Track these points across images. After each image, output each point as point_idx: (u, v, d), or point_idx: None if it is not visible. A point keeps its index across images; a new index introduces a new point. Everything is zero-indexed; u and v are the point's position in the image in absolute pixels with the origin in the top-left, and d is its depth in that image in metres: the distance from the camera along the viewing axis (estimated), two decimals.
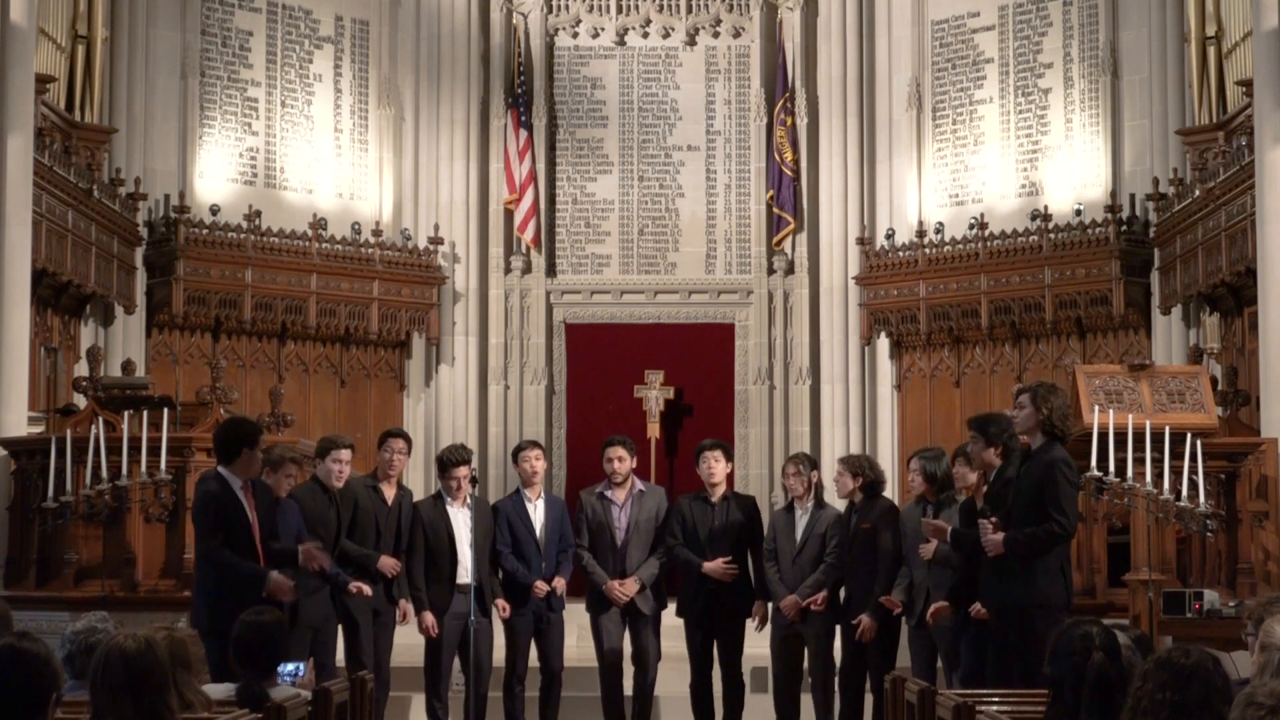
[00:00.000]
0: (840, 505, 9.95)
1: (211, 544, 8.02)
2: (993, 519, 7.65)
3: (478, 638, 9.54)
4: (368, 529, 9.52)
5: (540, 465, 9.99)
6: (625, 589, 9.82)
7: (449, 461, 9.77)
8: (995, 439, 8.12)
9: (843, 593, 9.70)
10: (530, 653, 9.91)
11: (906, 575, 9.29)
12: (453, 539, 9.62)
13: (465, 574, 9.58)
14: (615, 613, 9.89)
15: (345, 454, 9.37)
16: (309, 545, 8.62)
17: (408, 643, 9.87)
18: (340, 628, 9.43)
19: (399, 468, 9.80)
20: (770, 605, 9.79)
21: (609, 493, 10.02)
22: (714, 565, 9.76)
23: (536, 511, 9.90)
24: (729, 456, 10.09)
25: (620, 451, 10.01)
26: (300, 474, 9.37)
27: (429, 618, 9.54)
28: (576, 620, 10.25)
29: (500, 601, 9.79)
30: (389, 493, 9.71)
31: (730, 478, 10.29)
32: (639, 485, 10.09)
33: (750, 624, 9.95)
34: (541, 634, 9.84)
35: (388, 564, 9.49)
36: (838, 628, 9.68)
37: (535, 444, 10.38)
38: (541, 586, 9.72)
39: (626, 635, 9.98)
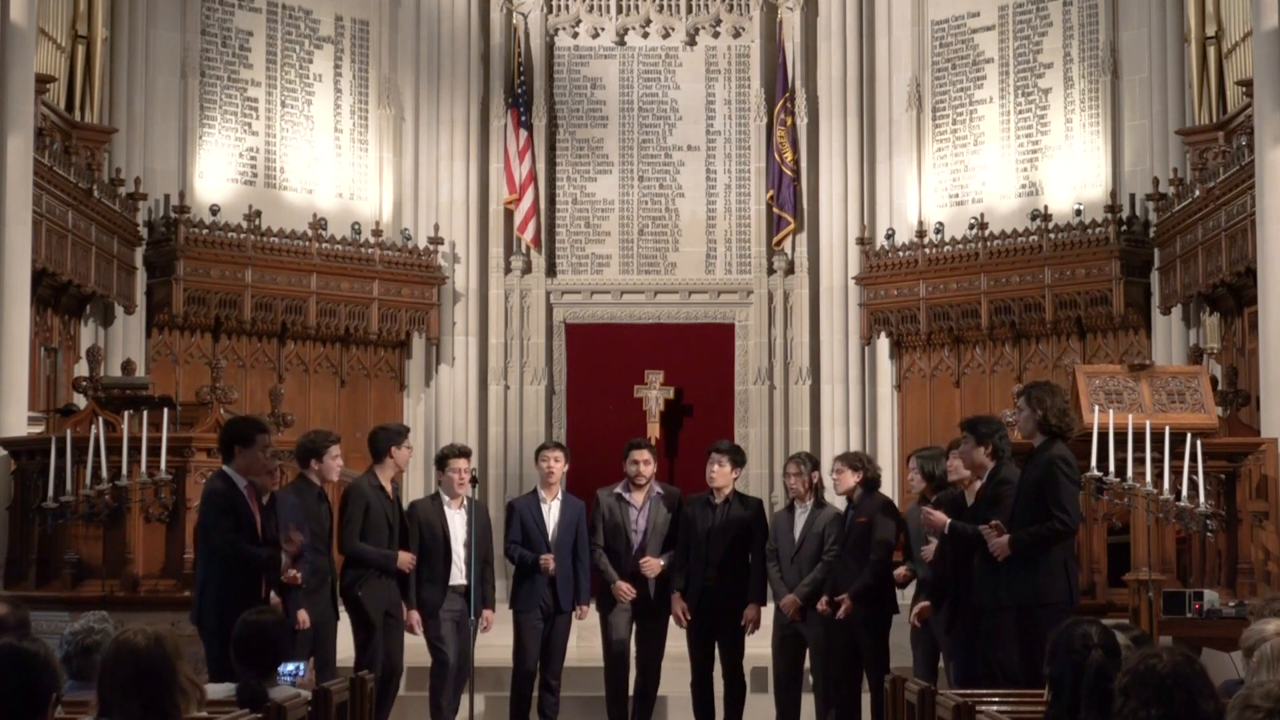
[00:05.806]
0: (840, 503, 9.94)
1: (225, 537, 7.97)
2: (995, 523, 7.63)
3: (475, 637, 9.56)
4: (380, 529, 9.51)
5: (558, 467, 10.01)
6: (648, 567, 9.85)
7: (447, 454, 9.81)
8: (986, 438, 8.10)
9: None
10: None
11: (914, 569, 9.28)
12: (448, 539, 9.62)
13: (459, 574, 9.59)
14: (624, 610, 9.91)
15: (339, 449, 9.42)
16: (291, 531, 8.44)
17: (405, 643, 9.86)
18: (353, 629, 9.45)
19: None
20: (772, 606, 9.79)
21: (627, 494, 10.03)
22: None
23: (551, 511, 9.93)
24: (736, 462, 10.05)
25: (645, 455, 10.05)
26: (289, 467, 9.41)
27: (414, 615, 9.58)
28: (577, 621, 10.26)
29: (487, 613, 9.79)
30: (388, 488, 9.72)
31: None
32: (657, 488, 10.10)
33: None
34: (546, 635, 9.84)
35: (406, 559, 9.52)
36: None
37: (557, 445, 10.45)
38: (548, 560, 9.73)
39: (634, 634, 10.00)
